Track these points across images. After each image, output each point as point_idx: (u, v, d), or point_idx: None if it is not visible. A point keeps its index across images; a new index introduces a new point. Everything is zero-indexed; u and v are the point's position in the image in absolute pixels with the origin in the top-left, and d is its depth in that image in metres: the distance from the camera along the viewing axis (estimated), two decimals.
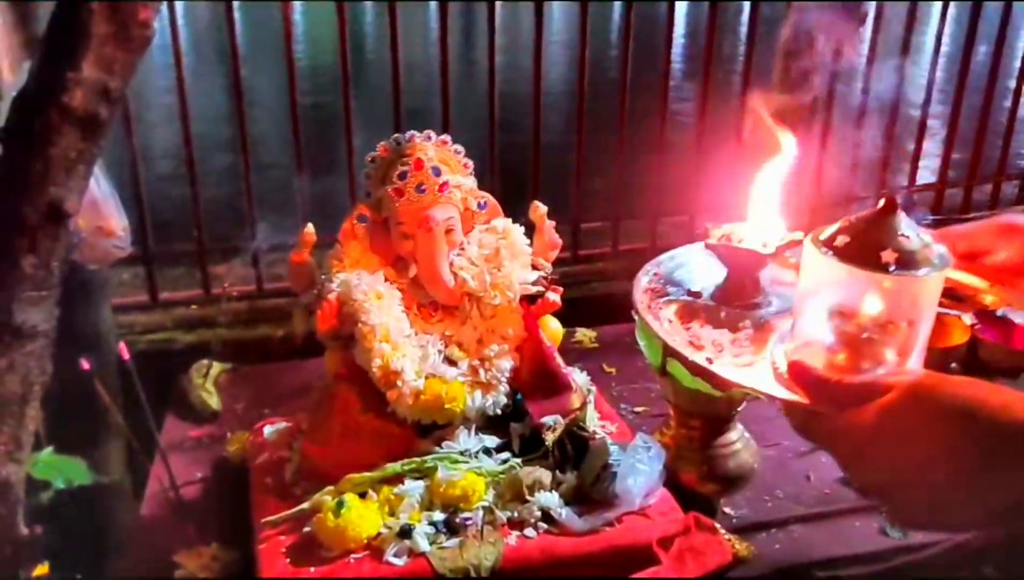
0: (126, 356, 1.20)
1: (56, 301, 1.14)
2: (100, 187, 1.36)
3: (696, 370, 0.82)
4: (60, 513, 1.32)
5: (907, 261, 0.71)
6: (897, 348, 0.73)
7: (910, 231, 0.73)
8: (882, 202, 0.73)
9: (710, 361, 0.79)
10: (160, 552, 1.18)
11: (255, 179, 1.88)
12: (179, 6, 1.73)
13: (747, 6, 2.09)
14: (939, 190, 2.54)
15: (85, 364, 1.16)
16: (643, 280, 0.91)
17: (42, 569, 1.28)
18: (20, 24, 1.36)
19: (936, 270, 0.72)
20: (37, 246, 1.10)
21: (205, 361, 1.58)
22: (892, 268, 0.70)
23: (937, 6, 2.34)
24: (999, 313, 0.86)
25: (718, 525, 1.21)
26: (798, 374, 0.74)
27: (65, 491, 1.35)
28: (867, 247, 0.71)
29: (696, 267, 0.96)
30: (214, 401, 1.51)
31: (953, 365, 0.94)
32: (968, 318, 0.82)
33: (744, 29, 2.13)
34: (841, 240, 0.72)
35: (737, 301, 0.89)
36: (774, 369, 0.77)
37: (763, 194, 0.94)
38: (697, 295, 0.91)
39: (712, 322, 0.85)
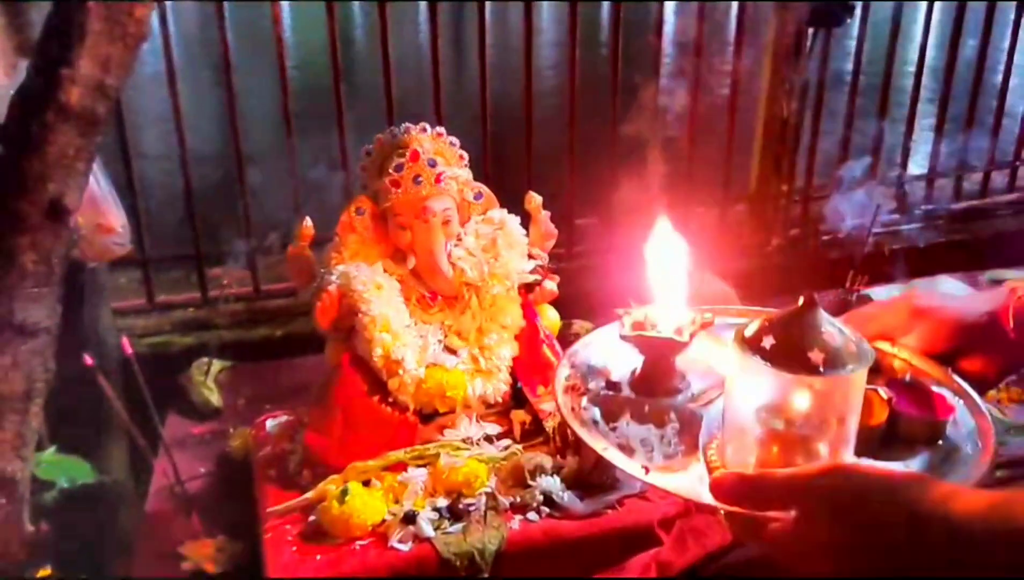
0: (128, 350, 1.21)
1: (58, 298, 1.15)
2: (99, 185, 1.37)
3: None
4: (64, 512, 1.33)
5: (834, 360, 0.70)
6: (828, 440, 0.73)
7: (831, 327, 0.72)
8: (801, 300, 0.73)
9: (646, 470, 0.76)
10: (166, 545, 1.19)
11: (249, 180, 1.88)
12: (168, 6, 1.74)
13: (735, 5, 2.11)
14: (930, 181, 2.56)
15: (88, 360, 1.17)
16: (562, 375, 0.88)
17: (45, 572, 1.28)
18: (15, 27, 1.37)
19: (862, 366, 0.72)
20: (38, 243, 1.11)
21: (205, 359, 1.59)
22: (821, 369, 0.70)
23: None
24: (907, 380, 0.86)
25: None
26: (719, 487, 0.71)
27: (69, 490, 1.36)
28: (793, 348, 0.71)
29: (612, 351, 0.92)
30: (215, 398, 1.52)
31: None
32: (884, 391, 0.83)
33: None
34: (767, 341, 0.71)
35: (656, 387, 0.87)
36: (709, 471, 0.76)
37: (665, 276, 0.93)
38: (616, 386, 0.89)
39: (637, 417, 0.83)
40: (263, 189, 1.92)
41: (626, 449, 0.80)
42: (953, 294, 0.94)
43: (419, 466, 1.17)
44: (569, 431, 1.20)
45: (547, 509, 1.14)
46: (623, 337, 0.89)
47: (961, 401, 0.84)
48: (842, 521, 0.64)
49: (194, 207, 1.89)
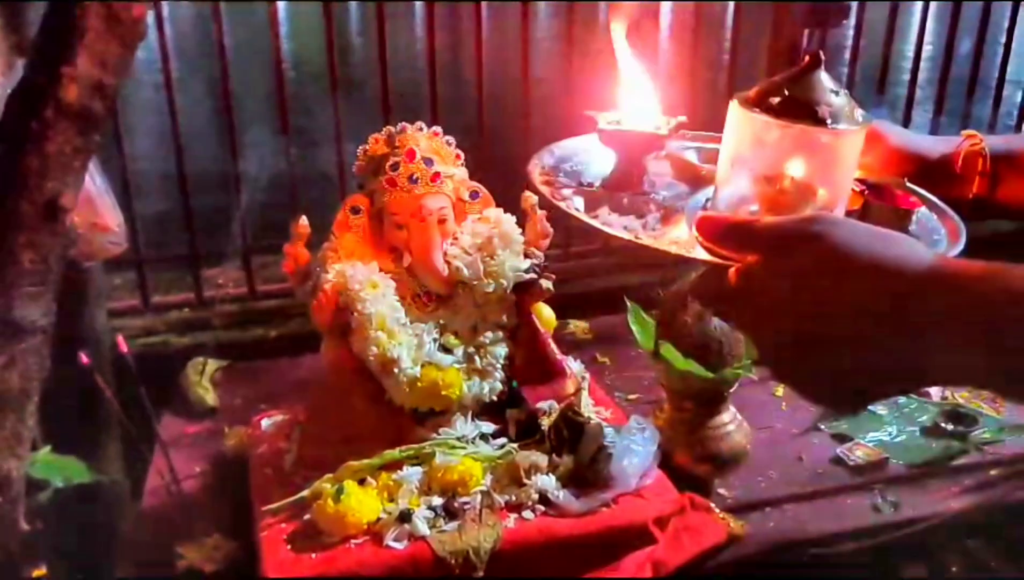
0: (124, 349, 1.21)
1: (54, 297, 1.15)
2: (95, 183, 1.37)
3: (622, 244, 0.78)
4: (59, 511, 1.33)
5: (838, 116, 0.70)
6: (822, 207, 0.72)
7: (835, 87, 0.71)
8: (807, 58, 0.72)
9: (636, 235, 0.75)
10: (162, 543, 1.19)
11: (244, 178, 1.89)
12: (164, 6, 1.74)
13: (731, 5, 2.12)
14: None
15: (84, 358, 1.17)
16: (535, 173, 0.88)
17: (40, 572, 1.28)
18: (12, 26, 1.37)
19: (865, 124, 0.72)
20: (35, 241, 1.11)
21: (200, 359, 1.59)
22: (828, 122, 0.69)
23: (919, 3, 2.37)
24: (871, 181, 0.86)
25: (713, 504, 1.23)
26: (703, 224, 0.69)
27: (64, 489, 1.36)
28: (801, 104, 0.69)
29: (581, 159, 0.92)
30: (210, 397, 1.52)
31: None
32: (855, 185, 0.82)
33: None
34: (774, 99, 0.70)
35: (627, 190, 0.86)
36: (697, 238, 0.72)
37: (638, 81, 0.91)
38: (589, 186, 0.88)
39: (617, 209, 0.81)
40: (259, 189, 1.92)
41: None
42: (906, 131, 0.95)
43: (414, 465, 1.17)
44: (564, 429, 1.21)
45: (542, 507, 1.14)
46: (600, 131, 0.88)
47: (919, 200, 0.84)
48: (818, 260, 0.60)
49: (190, 207, 1.90)
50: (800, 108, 0.69)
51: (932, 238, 0.79)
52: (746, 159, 0.73)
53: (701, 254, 0.70)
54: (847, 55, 2.29)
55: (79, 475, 1.37)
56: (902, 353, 0.58)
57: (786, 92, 0.70)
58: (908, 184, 0.86)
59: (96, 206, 1.38)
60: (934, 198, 0.85)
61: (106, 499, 1.49)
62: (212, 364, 1.60)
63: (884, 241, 0.61)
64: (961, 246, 0.76)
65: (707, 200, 0.82)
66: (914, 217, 0.81)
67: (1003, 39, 2.50)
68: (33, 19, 1.34)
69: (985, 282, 0.57)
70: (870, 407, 1.45)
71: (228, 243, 1.90)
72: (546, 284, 1.28)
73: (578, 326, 1.79)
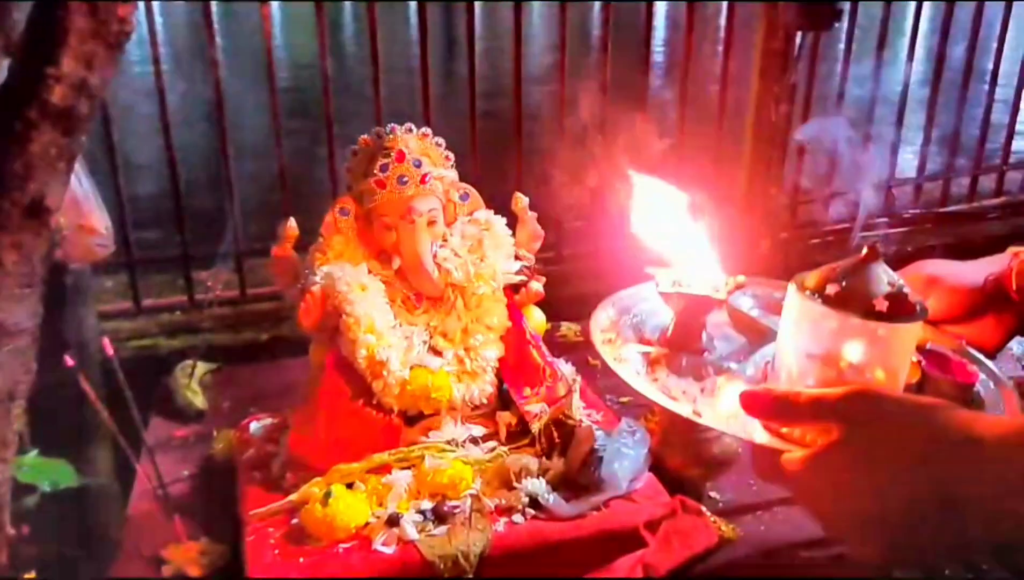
0: (110, 351, 1.20)
1: (40, 298, 1.14)
2: (82, 185, 1.36)
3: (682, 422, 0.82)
4: (46, 515, 1.32)
5: (895, 309, 0.72)
6: None
7: (892, 278, 0.74)
8: (865, 250, 0.74)
9: (698, 414, 0.78)
10: (149, 548, 1.18)
11: (236, 181, 1.88)
12: (156, 6, 1.73)
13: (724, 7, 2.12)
14: (918, 186, 2.57)
15: (69, 361, 1.16)
16: (597, 328, 0.91)
17: (28, 576, 1.27)
18: None
19: (921, 317, 0.73)
20: (19, 243, 1.10)
21: (189, 361, 1.58)
22: (886, 316, 0.71)
23: (912, 4, 2.37)
24: (929, 347, 0.88)
25: (704, 508, 1.22)
26: (749, 399, 0.72)
27: (51, 493, 1.35)
28: (858, 295, 0.72)
29: (643, 310, 0.95)
30: (199, 400, 1.51)
31: None
32: (914, 355, 0.83)
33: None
34: (831, 288, 0.73)
35: (685, 346, 0.89)
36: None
37: (697, 235, 0.94)
38: (648, 342, 0.90)
39: (675, 370, 0.85)
40: (250, 191, 1.91)
41: (672, 398, 0.81)
42: (955, 263, 0.97)
43: (403, 468, 1.16)
44: (555, 432, 1.20)
45: (532, 511, 1.13)
46: (661, 294, 0.90)
47: (979, 369, 0.86)
48: (866, 440, 0.63)
49: (181, 210, 1.89)
50: (857, 299, 0.72)
51: (994, 412, 0.80)
52: (804, 342, 0.75)
53: (759, 435, 0.73)
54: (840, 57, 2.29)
55: (66, 479, 1.37)
56: (963, 510, 0.60)
57: (844, 283, 0.73)
58: (972, 352, 0.87)
59: (83, 208, 1.37)
60: (992, 365, 0.86)
61: (93, 503, 1.48)
62: (201, 367, 1.59)
63: (927, 409, 0.63)
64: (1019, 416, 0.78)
65: (766, 362, 0.84)
66: (974, 391, 0.83)
67: (995, 43, 2.51)
68: (19, 19, 1.33)
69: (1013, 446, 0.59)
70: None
71: (220, 246, 1.90)
72: (537, 286, 1.27)
73: (570, 329, 1.78)
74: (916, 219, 2.51)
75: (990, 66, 2.53)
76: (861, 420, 0.64)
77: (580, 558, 1.12)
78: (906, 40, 2.36)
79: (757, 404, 0.71)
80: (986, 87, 2.56)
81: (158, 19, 1.77)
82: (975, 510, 0.59)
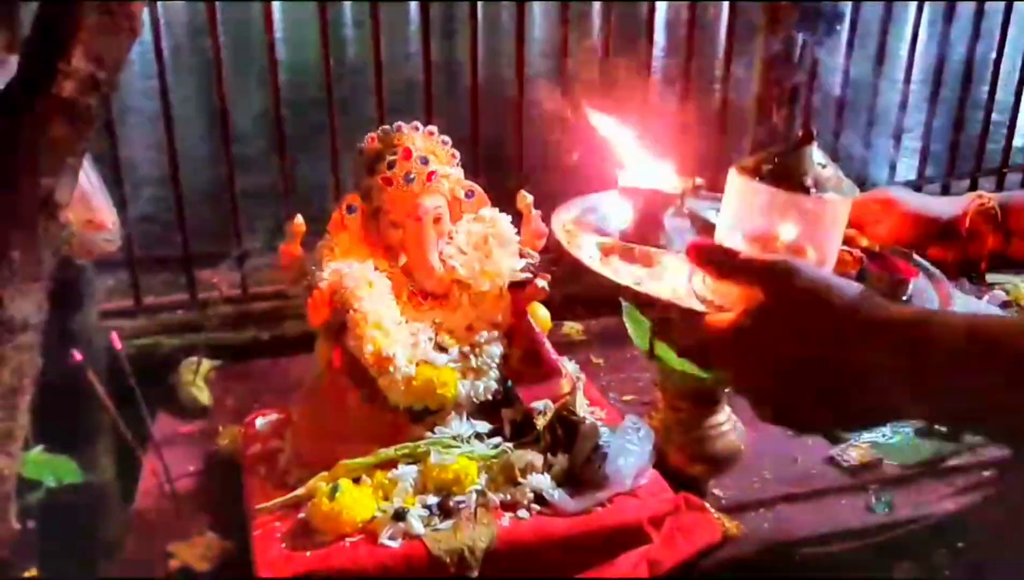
0: (118, 345, 1.21)
1: (47, 293, 1.15)
2: (90, 181, 1.37)
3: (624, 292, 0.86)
4: (51, 511, 1.32)
5: (824, 187, 0.78)
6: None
7: (824, 160, 0.80)
8: (800, 133, 0.79)
9: (638, 283, 0.84)
10: (155, 543, 1.18)
11: (239, 180, 1.88)
12: (159, 6, 1.73)
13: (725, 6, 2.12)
14: (917, 187, 2.58)
15: (77, 356, 1.16)
16: (557, 224, 0.97)
17: (32, 572, 1.27)
18: (5, 24, 1.36)
19: (847, 194, 0.79)
20: (28, 238, 1.10)
21: (194, 359, 1.59)
22: (813, 191, 0.77)
23: (913, 6, 2.38)
24: (875, 250, 0.93)
25: (707, 504, 1.23)
26: (696, 249, 0.77)
27: (56, 489, 1.35)
28: (790, 173, 0.78)
29: (603, 212, 1.01)
30: (204, 397, 1.52)
31: None
32: (855, 252, 0.89)
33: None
34: (766, 168, 0.78)
35: (642, 241, 0.94)
36: (692, 291, 0.82)
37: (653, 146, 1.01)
38: (608, 238, 0.96)
39: (627, 259, 0.90)
40: (253, 189, 1.92)
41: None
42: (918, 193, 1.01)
43: (409, 463, 1.17)
44: (559, 428, 1.21)
45: (537, 507, 1.14)
46: (621, 187, 0.98)
47: (924, 275, 0.91)
48: (778, 308, 0.68)
49: (184, 209, 1.89)
50: (789, 177, 0.78)
51: (923, 302, 0.86)
52: (742, 221, 0.81)
53: (694, 303, 0.79)
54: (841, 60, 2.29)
55: (71, 475, 1.36)
56: (850, 391, 0.66)
57: (778, 162, 0.79)
58: (913, 255, 0.92)
59: (91, 203, 1.38)
60: (931, 267, 0.92)
61: (99, 499, 1.48)
62: (206, 364, 1.59)
63: (836, 288, 0.68)
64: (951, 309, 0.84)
65: None
66: (910, 286, 0.87)
67: (996, 43, 2.51)
68: (25, 17, 1.34)
69: (911, 328, 0.64)
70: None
71: (222, 244, 1.90)
72: (541, 284, 1.28)
73: (573, 327, 1.79)
74: None
75: (990, 67, 2.54)
76: (778, 288, 0.68)
77: (584, 554, 1.13)
78: (906, 42, 2.37)
79: (701, 252, 0.76)
80: (986, 88, 2.56)
81: (161, 18, 1.77)
82: (861, 384, 0.64)
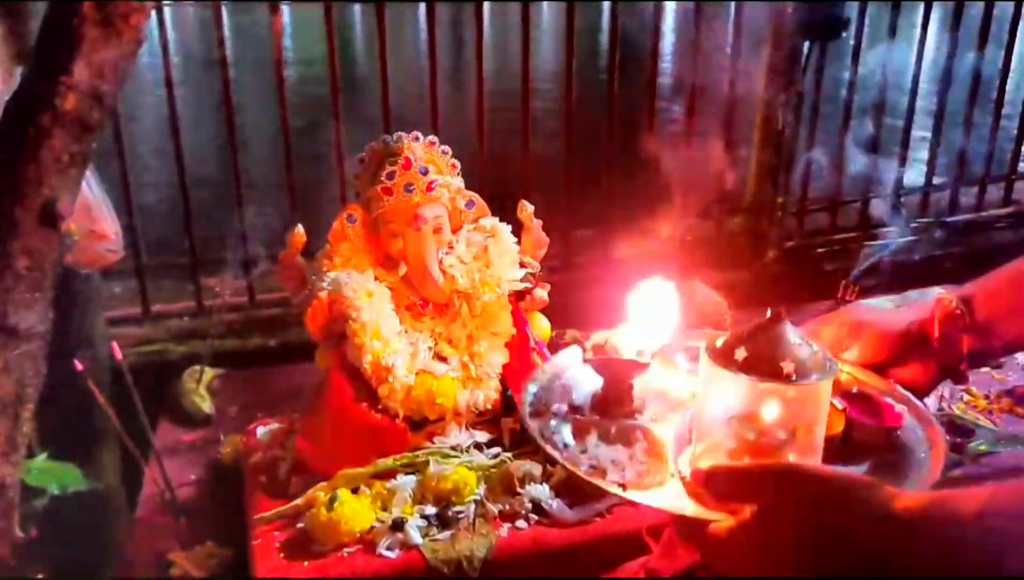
0: (119, 355, 1.22)
1: (50, 303, 1.16)
2: (92, 191, 1.38)
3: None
4: (55, 519, 1.33)
5: (803, 370, 0.74)
6: (797, 449, 0.76)
7: (798, 339, 0.76)
8: (769, 313, 0.76)
9: (624, 487, 0.80)
10: (156, 551, 1.19)
11: (245, 187, 1.89)
12: (167, 13, 1.74)
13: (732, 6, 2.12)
14: (926, 194, 2.57)
15: (79, 365, 1.17)
16: (526, 400, 0.92)
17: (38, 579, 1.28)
18: (14, 35, 1.38)
19: (829, 375, 0.75)
20: (30, 248, 1.11)
21: (197, 367, 1.59)
22: (793, 378, 0.73)
23: (920, 11, 2.37)
24: (855, 391, 0.90)
25: None
26: (697, 476, 0.76)
27: (59, 497, 1.36)
28: (765, 359, 0.74)
29: (571, 375, 0.96)
30: (207, 405, 1.52)
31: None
32: (838, 402, 0.85)
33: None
34: (739, 353, 0.74)
35: (617, 410, 0.91)
36: (683, 482, 0.79)
37: (645, 301, 0.97)
38: (579, 410, 0.92)
39: (605, 438, 0.86)
40: (259, 198, 1.93)
41: (599, 469, 0.82)
42: (882, 308, 0.99)
43: (408, 473, 1.17)
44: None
45: (536, 517, 1.14)
46: (586, 361, 0.92)
47: (906, 409, 0.89)
48: (789, 520, 0.67)
49: (190, 216, 1.90)
50: (765, 363, 0.74)
51: (919, 455, 0.84)
52: (721, 405, 0.77)
53: (685, 509, 0.76)
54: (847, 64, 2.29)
55: (74, 482, 1.37)
56: None
57: (752, 348, 0.74)
58: (897, 389, 0.90)
59: (94, 214, 1.39)
60: (919, 403, 0.89)
61: (101, 506, 1.49)
62: (209, 372, 1.60)
63: (844, 489, 0.67)
64: (943, 455, 0.82)
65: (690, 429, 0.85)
66: (899, 431, 0.86)
67: (1004, 49, 2.50)
68: (33, 28, 1.35)
69: (926, 517, 0.63)
70: None
71: (228, 252, 1.91)
72: (541, 293, 1.28)
73: (574, 336, 1.78)
74: (924, 228, 2.51)
75: (998, 75, 2.53)
76: (780, 497, 0.68)
77: (583, 564, 1.13)
78: (913, 49, 2.36)
79: (701, 480, 0.75)
80: (994, 96, 2.55)
81: (169, 26, 1.78)
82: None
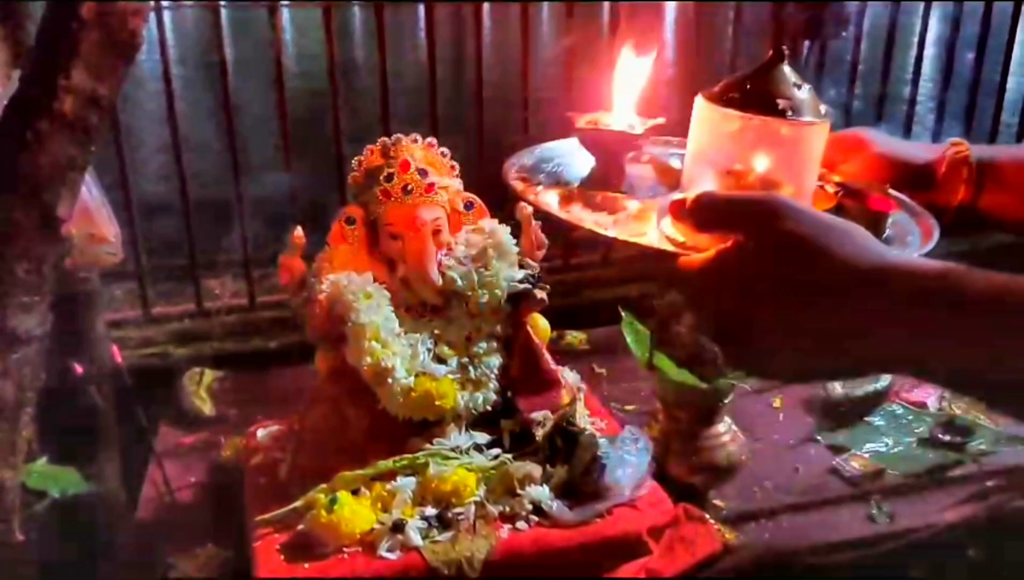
0: (119, 359, 1.22)
1: (50, 306, 1.16)
2: (91, 194, 1.37)
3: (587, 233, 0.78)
4: (55, 522, 1.33)
5: (800, 110, 0.71)
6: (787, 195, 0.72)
7: (798, 82, 0.73)
8: (770, 53, 0.74)
9: (602, 226, 0.76)
10: (156, 554, 1.19)
11: (245, 189, 1.89)
12: (166, 15, 1.74)
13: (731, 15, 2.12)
14: None
15: (78, 368, 1.17)
16: (511, 171, 0.87)
17: None
18: (11, 38, 1.38)
19: (825, 119, 0.73)
20: (30, 252, 1.11)
21: (197, 369, 1.60)
22: (789, 114, 0.71)
23: (921, 8, 2.37)
24: (850, 186, 0.86)
25: (707, 515, 1.23)
26: (674, 206, 0.70)
27: (60, 500, 1.36)
28: (762, 97, 0.71)
29: (563, 161, 0.91)
30: (207, 407, 1.53)
31: None
32: (830, 187, 0.83)
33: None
34: (735, 93, 0.72)
35: (604, 189, 0.85)
36: (662, 234, 0.73)
37: (627, 84, 0.91)
38: (567, 186, 0.87)
39: (590, 206, 0.81)
40: (259, 198, 1.93)
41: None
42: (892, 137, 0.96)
43: (408, 475, 1.17)
44: (559, 439, 1.21)
45: (536, 518, 1.14)
46: (577, 129, 0.88)
47: (904, 210, 0.84)
48: (770, 250, 0.62)
49: (190, 218, 1.90)
50: (761, 101, 0.71)
51: (906, 240, 0.79)
52: (711, 154, 0.74)
53: (662, 244, 0.71)
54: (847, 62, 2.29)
55: (75, 485, 1.37)
56: (846, 339, 0.60)
57: (748, 86, 0.72)
58: (889, 189, 0.86)
59: (93, 217, 1.39)
60: (911, 201, 0.85)
61: (102, 509, 1.49)
62: (209, 374, 1.60)
63: (839, 231, 0.62)
64: (932, 245, 0.76)
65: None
66: (889, 220, 0.81)
67: (1005, 42, 2.50)
68: (31, 30, 1.35)
69: (936, 281, 0.58)
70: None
71: (228, 254, 1.91)
72: (541, 294, 1.28)
73: (575, 337, 1.79)
74: None
75: (998, 71, 2.52)
76: (765, 229, 0.62)
77: (583, 565, 1.13)
78: (913, 48, 2.36)
79: (678, 206, 0.69)
80: (994, 91, 2.55)
81: (168, 28, 1.78)
82: (858, 335, 0.59)
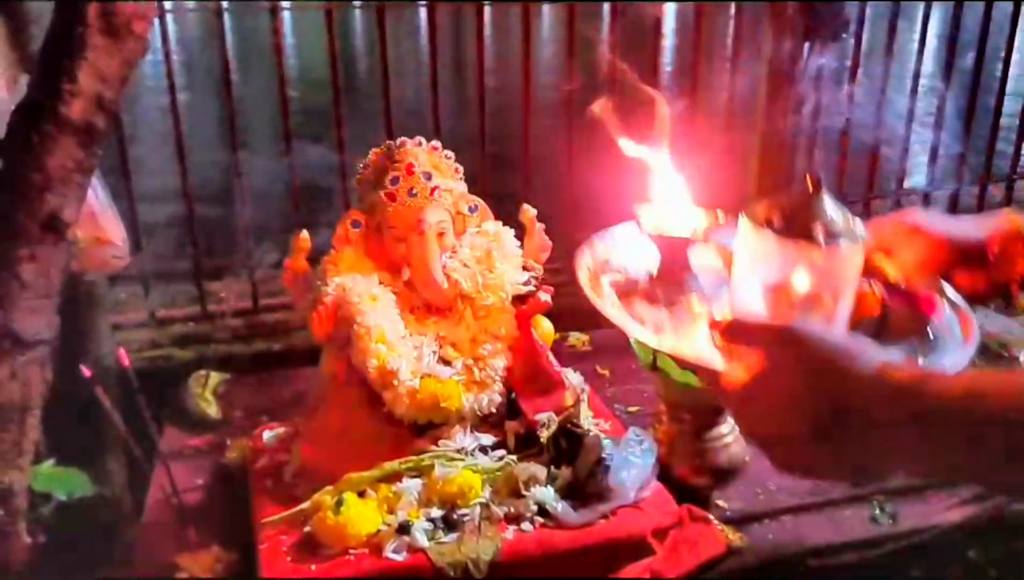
0: (126, 362, 1.22)
1: (56, 309, 1.16)
2: (98, 197, 1.38)
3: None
4: (62, 524, 1.34)
5: (835, 235, 0.78)
6: (825, 317, 0.80)
7: (835, 209, 0.80)
8: (810, 181, 0.80)
9: (657, 332, 0.83)
10: (163, 556, 1.19)
11: (249, 192, 1.90)
12: (168, 18, 1.75)
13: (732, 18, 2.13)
14: (926, 195, 2.57)
15: (86, 371, 1.18)
16: (583, 263, 0.94)
17: None
18: (17, 42, 1.38)
19: (853, 241, 0.80)
20: (36, 255, 1.12)
21: (203, 371, 1.60)
22: (823, 239, 0.77)
23: (920, 11, 2.37)
24: (898, 283, 0.91)
25: (711, 516, 1.23)
26: (716, 325, 0.77)
27: (66, 502, 1.36)
28: (800, 224, 0.78)
29: (629, 248, 0.98)
30: (213, 410, 1.53)
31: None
32: (878, 289, 0.88)
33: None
34: (775, 217, 0.79)
35: (672, 284, 0.93)
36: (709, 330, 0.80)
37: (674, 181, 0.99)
38: (633, 282, 0.94)
39: (650, 300, 0.89)
40: (263, 202, 1.93)
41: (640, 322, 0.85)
42: (943, 216, 0.98)
43: (413, 477, 1.17)
44: (563, 441, 1.21)
45: (541, 519, 1.14)
46: (645, 233, 0.95)
47: (948, 307, 0.89)
48: (784, 377, 0.69)
49: (194, 222, 1.91)
50: (800, 228, 0.78)
51: (949, 344, 0.85)
52: (756, 270, 0.82)
53: (714, 364, 0.77)
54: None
55: (81, 488, 1.38)
56: (853, 450, 0.67)
57: (787, 212, 0.79)
58: (942, 284, 0.91)
59: (99, 220, 1.39)
60: (959, 299, 0.90)
61: (108, 511, 1.49)
62: (215, 377, 1.61)
63: (843, 351, 0.69)
64: (973, 347, 0.83)
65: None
66: (931, 323, 0.87)
67: (1004, 45, 2.51)
68: (35, 33, 1.36)
69: (916, 389, 0.65)
70: None
71: (232, 257, 1.91)
72: (544, 297, 1.29)
73: (579, 339, 1.79)
74: None
75: (998, 74, 2.53)
76: (781, 356, 0.70)
77: (588, 566, 1.13)
78: (914, 48, 2.37)
79: (719, 324, 0.76)
80: (994, 95, 2.56)
81: (172, 32, 1.79)
82: (862, 443, 0.66)
